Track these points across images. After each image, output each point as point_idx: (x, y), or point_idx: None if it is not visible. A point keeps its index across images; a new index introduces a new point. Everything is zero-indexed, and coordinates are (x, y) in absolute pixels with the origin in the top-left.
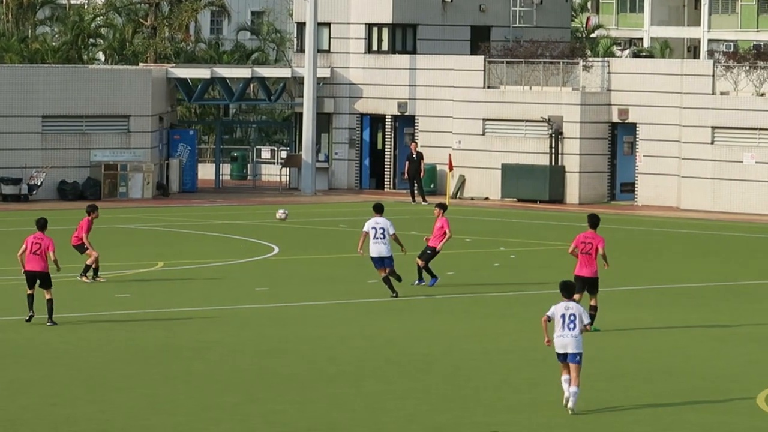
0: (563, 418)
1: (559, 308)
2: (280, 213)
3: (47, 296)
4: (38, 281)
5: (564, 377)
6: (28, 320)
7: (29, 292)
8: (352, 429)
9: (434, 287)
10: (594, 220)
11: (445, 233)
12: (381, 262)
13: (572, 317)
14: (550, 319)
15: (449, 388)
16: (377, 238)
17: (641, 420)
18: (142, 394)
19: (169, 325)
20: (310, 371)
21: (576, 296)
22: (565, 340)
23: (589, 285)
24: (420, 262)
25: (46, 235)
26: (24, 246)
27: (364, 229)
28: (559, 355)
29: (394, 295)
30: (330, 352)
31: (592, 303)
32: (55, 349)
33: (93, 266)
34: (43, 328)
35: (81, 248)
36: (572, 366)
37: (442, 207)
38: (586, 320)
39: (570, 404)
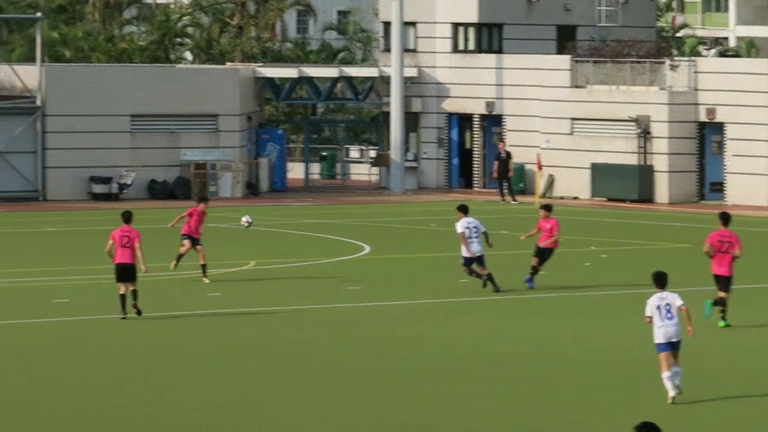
0: (658, 417)
1: (654, 301)
2: (243, 220)
3: (131, 288)
4: (125, 274)
5: (666, 374)
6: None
7: (121, 292)
8: (443, 428)
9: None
10: (726, 218)
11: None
12: (477, 260)
13: (667, 306)
14: (651, 319)
15: (541, 387)
16: (472, 238)
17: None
18: (232, 391)
19: (261, 324)
20: (402, 370)
21: (722, 294)
22: (668, 330)
23: (726, 282)
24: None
25: (132, 228)
26: (111, 240)
27: (459, 230)
28: (661, 345)
29: (496, 290)
30: (421, 351)
31: (723, 295)
32: (149, 348)
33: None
34: (138, 326)
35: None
36: (675, 352)
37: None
38: (680, 302)
39: (677, 381)
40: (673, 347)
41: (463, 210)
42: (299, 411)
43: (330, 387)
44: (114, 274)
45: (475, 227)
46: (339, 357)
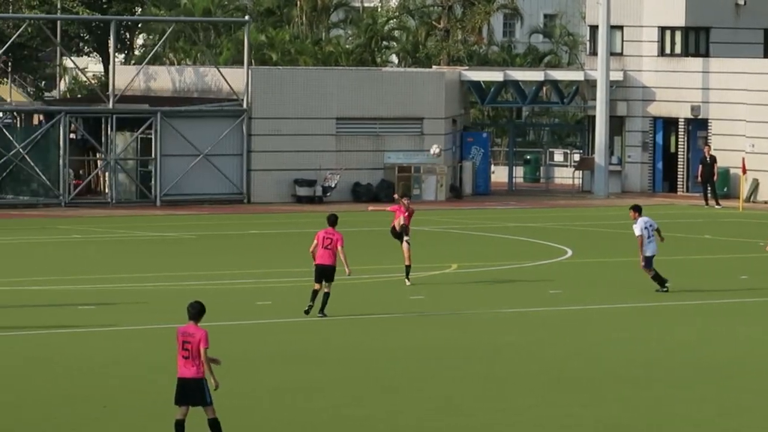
0: None
1: (641, 224)
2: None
3: (326, 290)
4: (324, 274)
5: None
6: (307, 312)
7: (316, 287)
8: (642, 429)
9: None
10: None
11: None
12: (651, 261)
13: (651, 227)
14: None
15: (746, 393)
16: (650, 238)
17: None
18: (435, 395)
19: (464, 327)
20: (604, 373)
21: None
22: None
23: None
24: None
25: (336, 231)
26: (315, 241)
27: (637, 233)
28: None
29: (664, 289)
30: (624, 355)
31: None
32: (351, 351)
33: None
34: (340, 329)
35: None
36: None
37: None
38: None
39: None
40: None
41: (638, 210)
42: (500, 416)
43: (532, 391)
44: (313, 274)
45: (651, 226)
46: (541, 360)
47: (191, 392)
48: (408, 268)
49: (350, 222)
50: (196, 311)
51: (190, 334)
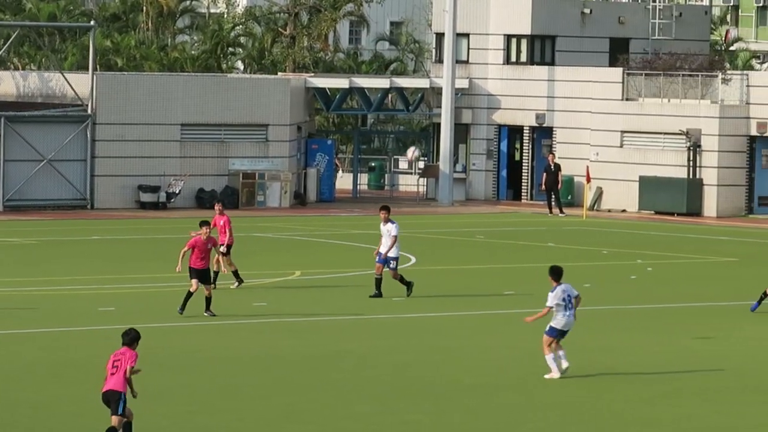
0: None
1: (559, 293)
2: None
3: (206, 293)
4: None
5: (550, 356)
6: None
7: (191, 289)
8: None
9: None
10: None
11: None
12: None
13: (569, 298)
14: (552, 308)
15: (589, 401)
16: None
17: None
18: (278, 402)
19: (305, 334)
20: (446, 382)
21: None
22: (569, 320)
23: None
24: None
25: (212, 236)
26: (189, 244)
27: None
28: (556, 331)
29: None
30: (467, 363)
31: None
32: (192, 357)
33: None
34: (183, 335)
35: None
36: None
37: None
38: (576, 292)
39: (565, 365)
40: (562, 335)
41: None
42: (340, 423)
43: (372, 398)
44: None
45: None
46: (381, 368)
47: (113, 401)
48: (236, 273)
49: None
50: (131, 338)
51: (122, 353)
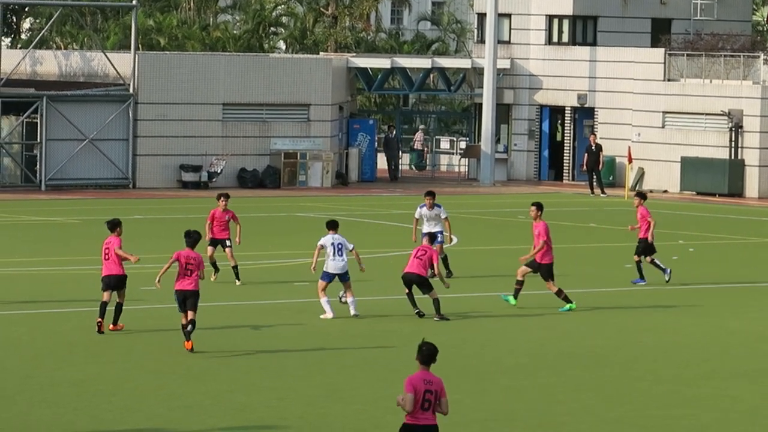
0: (738, 413)
1: (329, 238)
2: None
3: (232, 263)
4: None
5: (324, 299)
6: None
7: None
8: (528, 420)
9: (615, 279)
10: None
11: (648, 222)
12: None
13: (339, 246)
14: (323, 247)
15: (624, 381)
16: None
17: None
18: (318, 381)
19: (347, 313)
20: (486, 362)
21: None
22: (338, 264)
23: None
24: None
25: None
26: (209, 218)
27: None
28: (329, 275)
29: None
30: (506, 343)
31: None
32: (233, 337)
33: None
34: (224, 314)
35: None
36: (346, 284)
37: (642, 196)
38: (351, 246)
39: (353, 312)
40: (341, 278)
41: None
42: (382, 402)
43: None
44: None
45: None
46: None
47: (191, 298)
48: (235, 268)
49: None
50: (194, 240)
51: (193, 257)
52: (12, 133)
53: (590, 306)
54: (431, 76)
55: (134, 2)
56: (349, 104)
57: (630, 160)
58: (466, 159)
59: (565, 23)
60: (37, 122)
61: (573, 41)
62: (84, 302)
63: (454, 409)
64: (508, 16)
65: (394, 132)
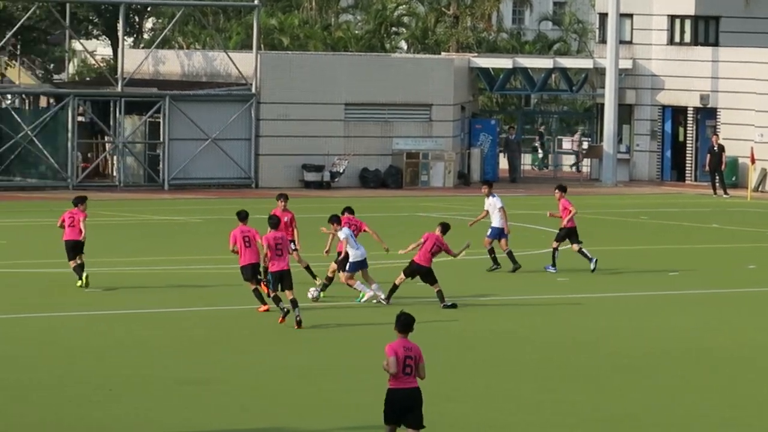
0: None
1: (347, 230)
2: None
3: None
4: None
5: (359, 284)
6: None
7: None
8: (645, 420)
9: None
10: None
11: (570, 212)
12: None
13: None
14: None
15: (742, 382)
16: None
17: None
18: (435, 381)
19: (467, 313)
20: (604, 362)
21: None
22: (361, 251)
23: None
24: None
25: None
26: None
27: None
28: (355, 264)
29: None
30: (624, 343)
31: None
32: (353, 336)
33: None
34: (358, 313)
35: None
36: (365, 270)
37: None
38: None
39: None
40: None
41: (490, 185)
42: (499, 403)
43: (531, 378)
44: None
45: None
46: (539, 348)
47: (287, 278)
48: (307, 268)
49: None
50: (275, 222)
51: (280, 237)
52: (135, 132)
53: (710, 305)
54: (553, 76)
55: (256, 2)
56: (471, 104)
57: (753, 161)
58: (588, 159)
59: (687, 23)
60: (159, 122)
61: (695, 41)
62: (210, 300)
63: (569, 409)
64: (630, 16)
65: (514, 133)
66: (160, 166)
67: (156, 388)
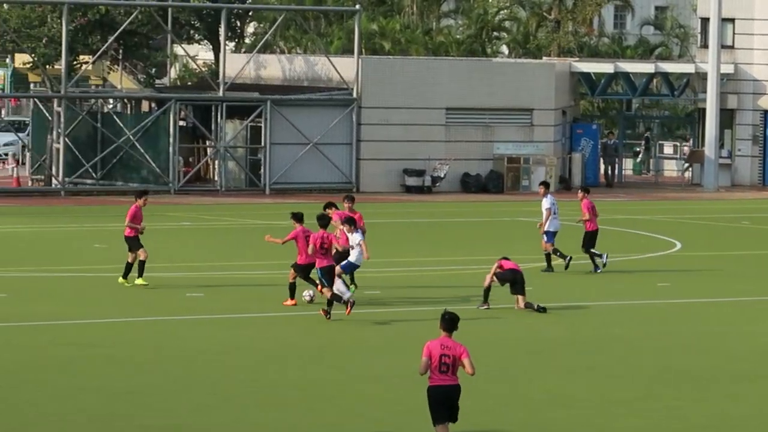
0: None
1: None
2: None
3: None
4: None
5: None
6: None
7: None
8: (754, 426)
9: None
10: None
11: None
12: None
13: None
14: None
15: None
16: (555, 215)
17: None
18: (541, 387)
19: (570, 319)
20: (709, 368)
21: None
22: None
23: None
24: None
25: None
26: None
27: (546, 206)
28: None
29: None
30: (730, 350)
31: None
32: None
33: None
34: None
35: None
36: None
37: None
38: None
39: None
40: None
41: (547, 186)
42: (606, 408)
43: (638, 384)
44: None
45: (554, 204)
46: (647, 353)
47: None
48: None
49: (458, 213)
50: (326, 222)
51: (327, 236)
52: (236, 137)
53: None
54: (654, 80)
55: (358, 7)
56: (572, 109)
57: None
58: (690, 164)
59: None
60: (261, 126)
61: None
62: (306, 306)
63: (676, 414)
64: (732, 20)
65: (613, 139)
66: (262, 170)
67: (268, 393)
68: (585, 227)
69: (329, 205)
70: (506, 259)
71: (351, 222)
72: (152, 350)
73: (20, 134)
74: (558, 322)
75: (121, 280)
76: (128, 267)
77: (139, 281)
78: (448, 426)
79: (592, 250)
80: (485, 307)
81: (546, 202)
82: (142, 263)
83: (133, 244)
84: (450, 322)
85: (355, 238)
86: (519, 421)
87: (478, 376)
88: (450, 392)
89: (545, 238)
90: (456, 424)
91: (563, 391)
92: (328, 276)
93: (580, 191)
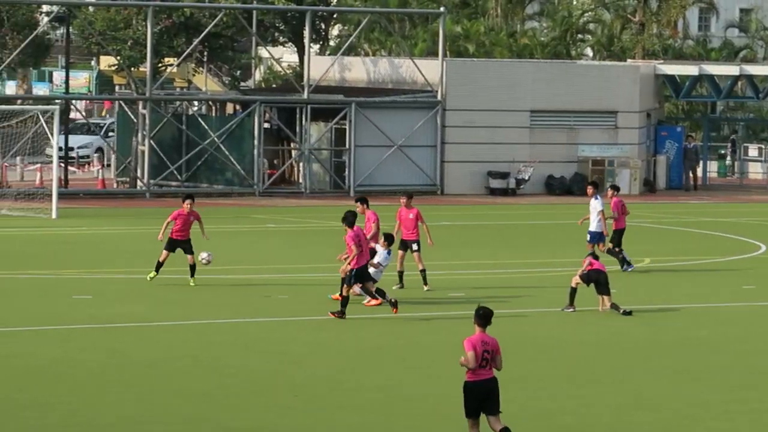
0: None
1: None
2: (204, 256)
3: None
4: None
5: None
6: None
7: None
8: None
9: None
10: None
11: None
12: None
13: None
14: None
15: None
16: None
17: None
18: (626, 389)
19: (655, 321)
20: None
21: None
22: None
23: None
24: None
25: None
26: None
27: (600, 207)
28: None
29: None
30: None
31: None
32: (536, 344)
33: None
34: (531, 321)
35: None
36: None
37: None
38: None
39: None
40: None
41: (596, 186)
42: (691, 411)
43: (722, 387)
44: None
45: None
46: (732, 356)
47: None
48: (423, 272)
49: (543, 215)
50: (352, 221)
51: (364, 234)
52: (321, 139)
53: None
54: (739, 83)
55: (442, 9)
56: (657, 111)
57: None
58: None
59: None
60: (345, 128)
61: None
62: (383, 309)
63: (759, 418)
64: None
65: (693, 143)
66: (346, 172)
67: (350, 395)
68: (612, 226)
69: (362, 200)
70: (596, 258)
71: (389, 239)
72: (238, 352)
73: (94, 136)
74: (642, 324)
75: (190, 283)
76: (159, 264)
77: (152, 274)
78: (500, 417)
79: (616, 249)
80: (571, 309)
81: (598, 204)
82: (160, 264)
83: (173, 245)
84: (485, 318)
85: (380, 254)
86: (604, 424)
87: (562, 377)
88: (491, 385)
89: (589, 237)
90: (539, 426)
91: (649, 393)
92: (365, 275)
93: (609, 189)
